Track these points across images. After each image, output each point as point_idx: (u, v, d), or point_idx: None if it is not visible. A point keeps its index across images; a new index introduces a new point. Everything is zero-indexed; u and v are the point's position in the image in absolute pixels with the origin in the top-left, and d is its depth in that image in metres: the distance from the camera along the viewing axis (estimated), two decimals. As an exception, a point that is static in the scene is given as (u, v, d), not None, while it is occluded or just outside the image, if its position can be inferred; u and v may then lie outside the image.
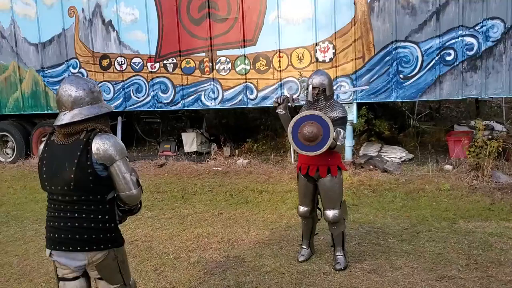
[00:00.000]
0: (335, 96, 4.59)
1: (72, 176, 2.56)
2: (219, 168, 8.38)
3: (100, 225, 2.64)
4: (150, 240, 5.19)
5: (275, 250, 4.74)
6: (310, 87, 4.18)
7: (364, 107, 8.04)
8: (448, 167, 7.33)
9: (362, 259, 4.43)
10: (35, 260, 4.79)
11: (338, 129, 4.01)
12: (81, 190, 2.59)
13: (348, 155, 8.02)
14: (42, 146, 2.80)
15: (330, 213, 4.22)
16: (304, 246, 4.54)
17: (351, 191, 6.68)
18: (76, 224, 2.61)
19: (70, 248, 2.62)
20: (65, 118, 2.63)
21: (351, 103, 7.80)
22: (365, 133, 9.26)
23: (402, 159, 8.16)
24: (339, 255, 4.29)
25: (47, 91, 9.56)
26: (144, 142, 10.72)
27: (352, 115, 7.82)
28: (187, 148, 9.47)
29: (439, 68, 7.29)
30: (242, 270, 4.30)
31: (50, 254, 2.70)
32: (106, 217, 2.67)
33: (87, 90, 2.68)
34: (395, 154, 8.23)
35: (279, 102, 4.34)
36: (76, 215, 2.61)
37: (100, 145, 2.60)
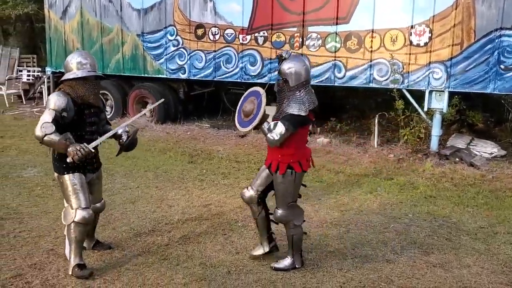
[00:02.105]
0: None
1: None
2: (298, 144, 8.43)
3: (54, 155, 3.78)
4: (222, 206, 5.44)
5: (342, 232, 4.76)
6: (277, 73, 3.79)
7: (456, 96, 7.63)
8: (544, 169, 6.81)
9: (429, 252, 4.32)
10: (119, 210, 5.23)
11: (279, 121, 3.59)
12: None
13: (433, 145, 7.72)
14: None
15: (276, 212, 3.88)
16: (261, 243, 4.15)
17: (432, 182, 6.45)
18: None
19: None
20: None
21: (442, 91, 7.45)
22: (455, 123, 8.82)
23: (493, 154, 7.69)
24: (287, 256, 3.97)
25: (145, 56, 10.13)
26: (230, 112, 11.04)
27: (442, 103, 7.47)
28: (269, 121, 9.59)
29: (546, 61, 6.71)
30: (306, 246, 4.36)
31: None
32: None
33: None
34: (485, 149, 7.77)
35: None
36: None
37: None
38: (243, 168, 7.08)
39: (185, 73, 9.71)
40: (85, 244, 4.11)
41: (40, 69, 16.37)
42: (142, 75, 10.28)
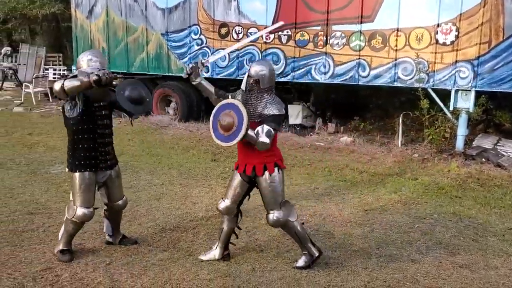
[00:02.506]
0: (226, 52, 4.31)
1: None
2: (321, 143, 8.43)
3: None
4: (245, 203, 5.41)
5: (366, 232, 4.74)
6: (246, 74, 3.84)
7: (483, 96, 7.50)
8: None
9: (455, 252, 4.27)
10: (145, 207, 5.30)
11: (265, 125, 3.60)
12: None
13: (459, 145, 7.61)
14: None
15: (271, 216, 3.85)
16: (213, 247, 4.11)
17: (457, 182, 6.36)
18: None
19: None
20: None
21: (469, 90, 7.34)
22: (482, 123, 8.67)
23: (521, 155, 7.53)
24: (303, 253, 3.97)
25: (169, 55, 10.24)
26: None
27: (468, 103, 7.36)
28: (291, 120, 9.62)
29: None
30: (330, 245, 4.38)
31: None
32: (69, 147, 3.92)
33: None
34: (513, 149, 7.62)
35: (188, 72, 3.98)
36: None
37: None
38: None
39: (208, 71, 9.78)
40: (111, 240, 4.22)
41: (66, 67, 16.72)
42: (167, 73, 10.39)
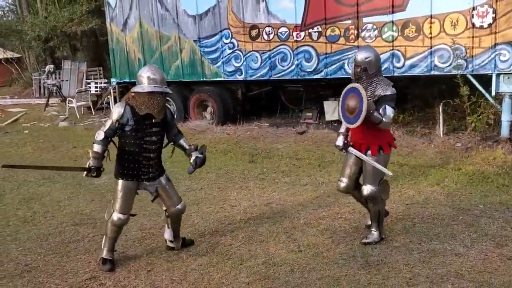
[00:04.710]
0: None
1: None
2: (359, 138, 8.29)
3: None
4: (283, 204, 5.46)
5: (407, 226, 4.63)
6: (353, 64, 4.15)
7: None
8: None
9: (502, 244, 4.10)
10: (184, 213, 5.37)
11: (386, 105, 3.96)
12: None
13: (504, 131, 7.31)
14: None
15: (365, 188, 4.20)
16: (372, 230, 4.37)
17: (504, 170, 6.11)
18: None
19: None
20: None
21: (511, 73, 7.03)
22: (528, 106, 8.27)
23: None
24: (373, 230, 4.30)
25: (203, 60, 10.35)
26: (289, 110, 11.04)
27: (511, 87, 7.06)
28: (328, 117, 9.53)
29: None
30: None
31: None
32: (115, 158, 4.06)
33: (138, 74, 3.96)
34: None
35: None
36: None
37: None
38: (303, 165, 7.06)
39: (241, 74, 9.83)
40: (172, 245, 4.36)
41: (106, 80, 17.21)
42: (201, 79, 10.52)
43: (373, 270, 3.79)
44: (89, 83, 17.21)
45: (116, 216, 3.98)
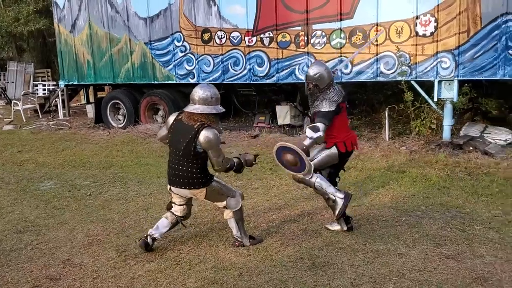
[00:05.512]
0: (337, 73, 5.16)
1: (181, 148, 4.08)
2: (310, 142, 8.42)
3: (195, 175, 4.13)
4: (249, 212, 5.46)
5: (353, 228, 4.75)
6: (306, 82, 4.56)
7: (466, 84, 7.54)
8: (560, 153, 6.69)
9: (442, 243, 4.30)
10: (133, 218, 5.31)
11: (316, 121, 4.35)
12: (186, 155, 4.08)
13: (446, 135, 7.65)
14: (172, 118, 4.24)
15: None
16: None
17: (445, 172, 6.40)
18: (181, 172, 4.13)
19: (178, 185, 4.20)
20: (190, 108, 4.07)
21: (452, 80, 7.38)
22: (469, 112, 8.71)
23: (508, 141, 7.58)
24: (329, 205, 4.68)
25: (154, 63, 10.25)
26: (242, 113, 11.09)
27: (452, 93, 7.41)
28: (280, 121, 9.64)
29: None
30: (317, 244, 4.39)
31: (170, 188, 4.30)
32: (199, 171, 4.14)
33: (209, 94, 4.04)
34: (499, 136, 7.67)
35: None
36: (181, 167, 4.13)
37: (204, 137, 3.99)
38: (255, 169, 7.02)
39: (194, 77, 9.80)
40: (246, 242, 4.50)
41: (54, 82, 16.68)
42: (152, 82, 10.40)
43: (319, 272, 3.87)
44: (36, 85, 16.61)
45: (238, 193, 4.39)
